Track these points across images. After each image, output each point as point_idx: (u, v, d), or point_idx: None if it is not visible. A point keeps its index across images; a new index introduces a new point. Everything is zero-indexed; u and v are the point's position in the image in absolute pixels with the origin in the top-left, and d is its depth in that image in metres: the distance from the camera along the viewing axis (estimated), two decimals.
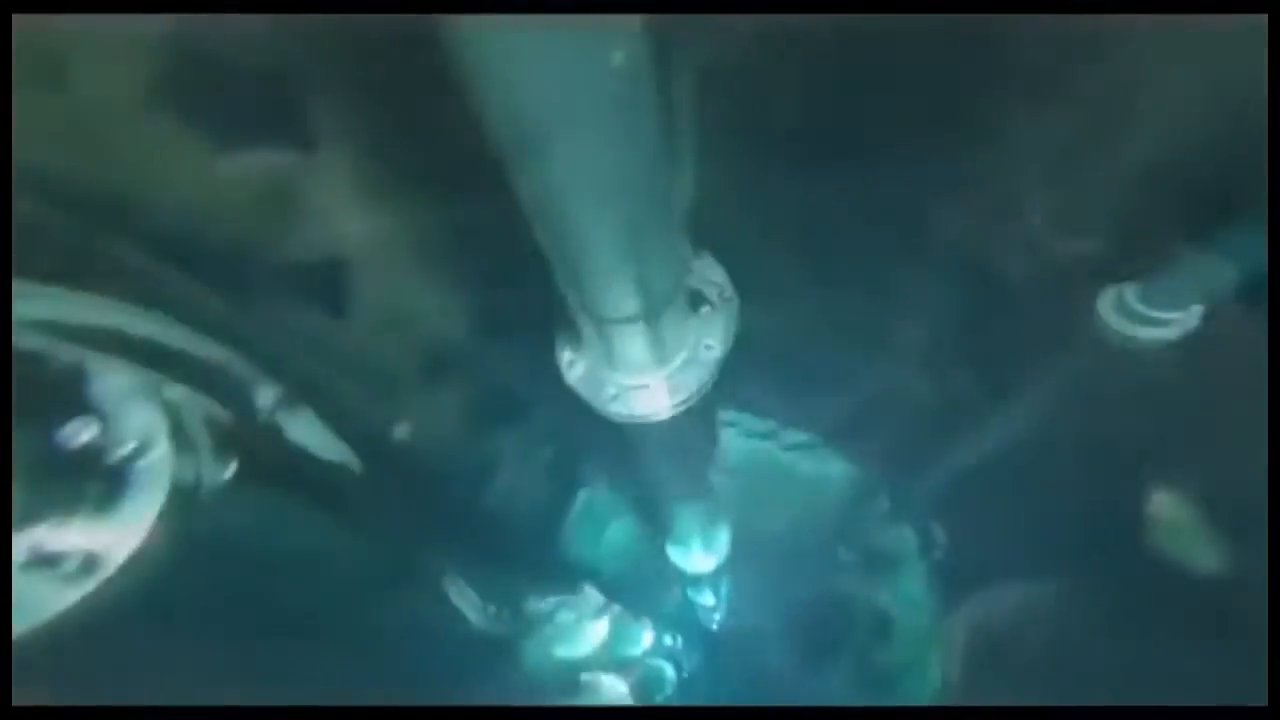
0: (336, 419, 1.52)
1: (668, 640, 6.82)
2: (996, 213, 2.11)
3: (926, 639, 4.94)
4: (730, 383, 1.82)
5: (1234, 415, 1.96)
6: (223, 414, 1.22)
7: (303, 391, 1.43)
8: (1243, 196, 1.38)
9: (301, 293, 1.71)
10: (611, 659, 5.19)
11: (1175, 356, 1.74)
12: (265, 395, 1.36)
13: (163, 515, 0.97)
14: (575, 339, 1.66)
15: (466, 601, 2.08)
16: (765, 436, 4.88)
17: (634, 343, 1.54)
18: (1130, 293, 1.75)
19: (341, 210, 1.66)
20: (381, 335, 1.95)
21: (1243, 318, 1.71)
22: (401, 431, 1.60)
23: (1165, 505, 2.20)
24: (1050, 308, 1.96)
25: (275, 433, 1.39)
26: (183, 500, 1.02)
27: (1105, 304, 1.80)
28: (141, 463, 1.01)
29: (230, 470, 1.18)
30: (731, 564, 5.00)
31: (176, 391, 1.13)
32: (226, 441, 1.18)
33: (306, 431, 1.46)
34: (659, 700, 5.93)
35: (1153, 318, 1.72)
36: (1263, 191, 1.33)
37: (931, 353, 2.83)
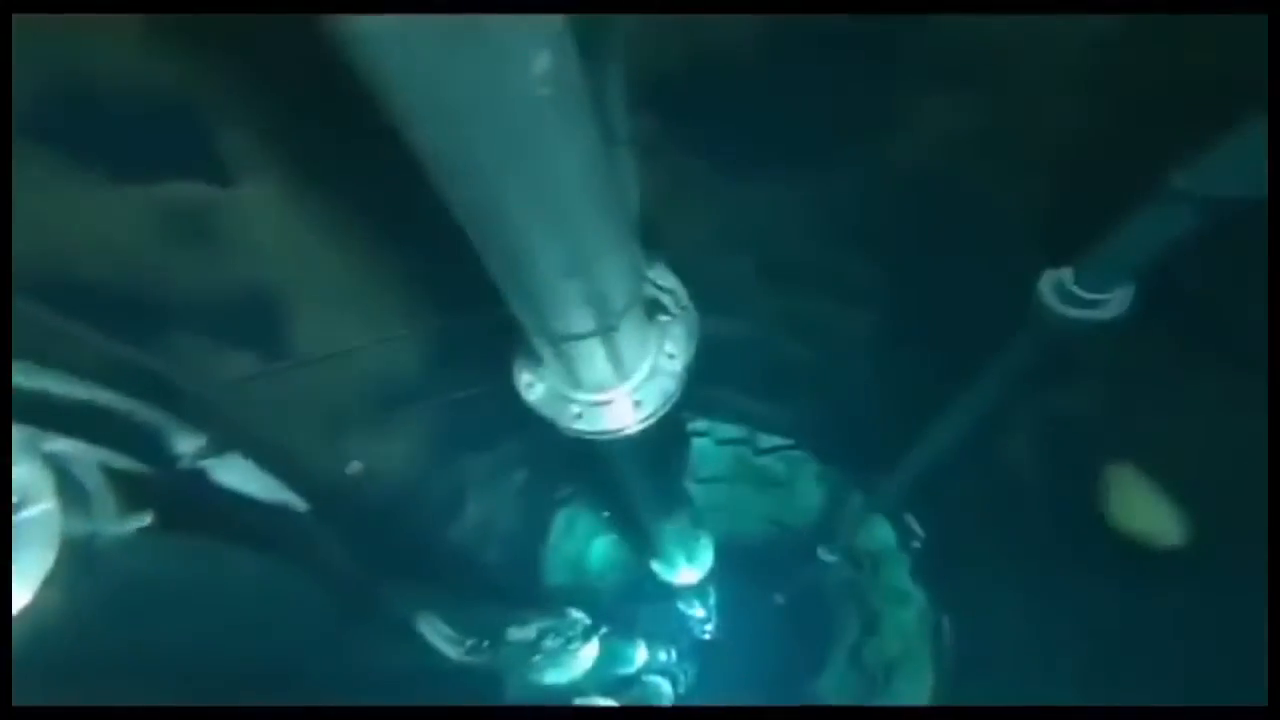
0: (277, 461, 1.46)
1: (661, 656, 6.76)
2: (940, 207, 2.15)
3: (915, 632, 4.95)
4: (699, 391, 1.79)
5: (1182, 389, 2.01)
6: (130, 464, 1.16)
7: (234, 435, 1.37)
8: (1163, 172, 1.42)
9: (231, 332, 1.64)
10: (605, 680, 5.10)
11: (1114, 335, 1.76)
12: (185, 442, 1.30)
13: (57, 570, 0.92)
14: (532, 360, 1.62)
15: (441, 637, 2.02)
16: (738, 443, 4.87)
17: (593, 358, 1.51)
18: (1067, 275, 1.77)
19: (268, 242, 1.60)
20: (325, 370, 1.88)
21: (1175, 292, 1.75)
22: (355, 469, 1.54)
23: (1120, 480, 2.24)
24: (995, 294, 1.98)
25: (204, 479, 1.33)
26: (80, 554, 0.96)
27: (1045, 287, 1.83)
28: (20, 518, 0.95)
29: (144, 521, 1.12)
30: (718, 573, 4.97)
31: (61, 444, 1.07)
32: (137, 492, 1.12)
33: (241, 476, 1.40)
34: None
35: (1088, 299, 1.74)
36: (1178, 165, 1.37)
37: (885, 347, 2.86)
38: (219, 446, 1.36)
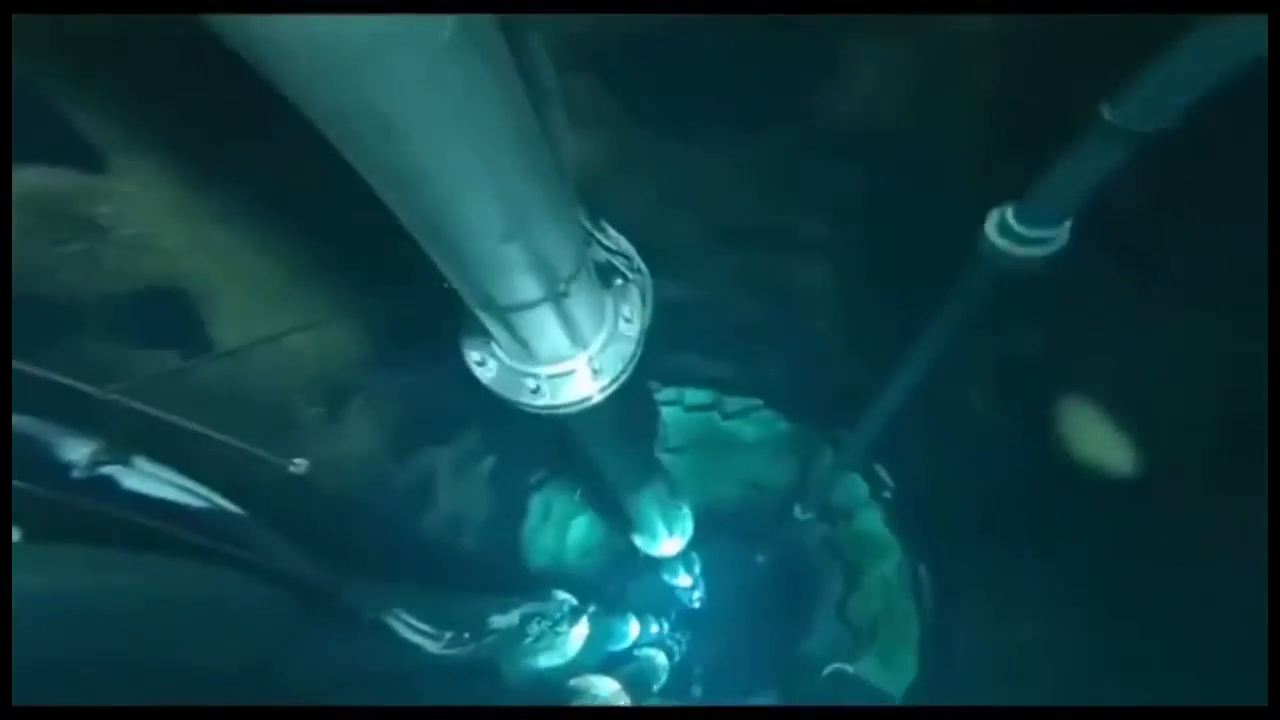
0: (202, 464, 1.37)
1: (653, 628, 6.80)
2: (886, 158, 2.13)
3: (896, 583, 5.04)
4: (661, 358, 1.76)
5: (1128, 320, 2.04)
6: None
7: (146, 439, 1.28)
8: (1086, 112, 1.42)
9: (137, 329, 1.53)
10: (599, 658, 5.11)
11: (1055, 271, 1.77)
12: (76, 450, 1.22)
13: None
14: (481, 337, 1.56)
15: (416, 633, 1.97)
16: (706, 408, 4.86)
17: (545, 328, 1.46)
18: (1009, 213, 1.77)
19: (158, 231, 1.48)
20: (257, 364, 1.78)
21: (1118, 229, 1.77)
22: (299, 467, 1.46)
23: (1072, 411, 2.28)
24: (947, 239, 1.98)
25: (110, 487, 1.25)
26: None
27: (990, 227, 1.83)
28: None
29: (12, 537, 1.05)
30: (699, 540, 4.98)
31: None
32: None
33: (154, 481, 1.32)
34: (656, 689, 5.90)
35: (1029, 237, 1.75)
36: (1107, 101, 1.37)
37: (841, 300, 2.86)
38: (120, 453, 1.28)
